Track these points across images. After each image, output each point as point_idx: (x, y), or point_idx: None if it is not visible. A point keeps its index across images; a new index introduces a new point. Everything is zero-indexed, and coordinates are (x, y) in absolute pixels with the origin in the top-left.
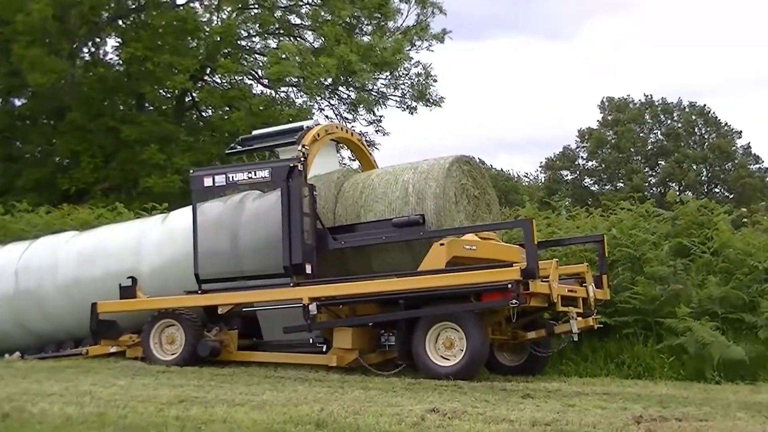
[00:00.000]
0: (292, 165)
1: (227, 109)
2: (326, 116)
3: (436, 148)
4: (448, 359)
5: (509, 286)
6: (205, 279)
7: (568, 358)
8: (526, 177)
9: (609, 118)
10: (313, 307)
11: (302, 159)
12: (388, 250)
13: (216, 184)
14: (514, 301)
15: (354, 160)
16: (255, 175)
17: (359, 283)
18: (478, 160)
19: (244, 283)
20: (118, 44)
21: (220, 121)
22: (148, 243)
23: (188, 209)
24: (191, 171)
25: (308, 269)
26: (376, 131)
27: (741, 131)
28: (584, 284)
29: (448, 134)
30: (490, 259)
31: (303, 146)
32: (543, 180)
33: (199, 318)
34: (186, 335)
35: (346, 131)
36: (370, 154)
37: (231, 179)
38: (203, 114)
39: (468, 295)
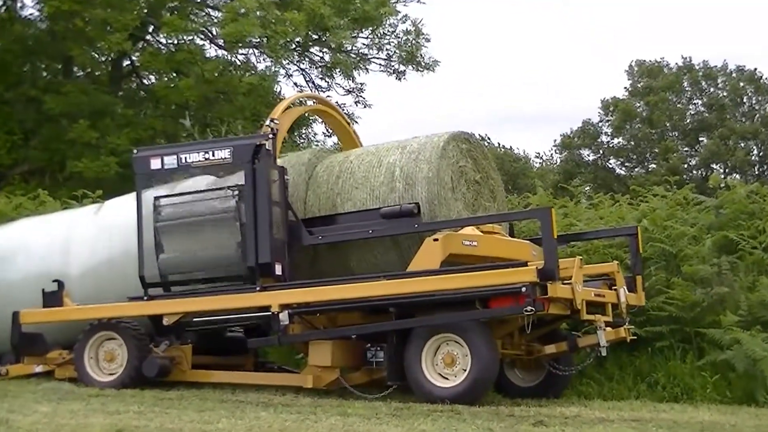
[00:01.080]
0: (258, 143)
1: (174, 75)
2: (295, 84)
3: (427, 122)
4: (449, 379)
5: (523, 289)
6: (152, 282)
7: (589, 378)
8: (538, 158)
9: (639, 85)
10: (284, 316)
11: (271, 136)
12: (370, 247)
13: (165, 167)
14: (530, 307)
15: (330, 135)
16: (213, 155)
17: (340, 286)
18: (479, 138)
19: (199, 288)
20: None
21: (166, 91)
22: (78, 239)
23: (128, 198)
24: (134, 151)
25: (278, 270)
26: (356, 102)
27: None
28: (614, 287)
29: (443, 106)
30: (495, 258)
31: (272, 120)
32: (558, 161)
33: (145, 330)
34: (129, 351)
35: (323, 102)
36: (354, 131)
37: (183, 161)
38: (145, 82)
39: (473, 300)
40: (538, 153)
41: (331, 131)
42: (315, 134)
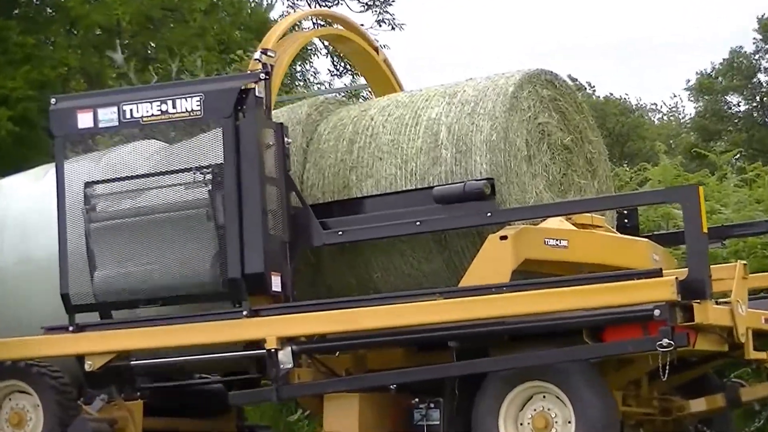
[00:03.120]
0: (243, 87)
1: None
2: (292, 3)
3: (483, 62)
4: None
5: (656, 312)
6: (81, 305)
7: None
8: (659, 109)
9: None
10: (285, 356)
11: (263, 76)
12: (403, 249)
13: (99, 125)
14: (666, 341)
15: (341, 74)
16: (174, 107)
17: (373, 309)
18: (568, 80)
19: (152, 314)
20: None
21: (85, 7)
22: None
23: (39, 173)
24: (52, 100)
25: (276, 284)
26: (379, 22)
27: None
28: None
29: (491, 34)
30: (594, 265)
31: (263, 52)
32: (692, 114)
33: (71, 377)
34: (46, 411)
35: (340, 22)
36: (388, 65)
37: (129, 115)
38: None
39: (578, 331)
40: (657, 103)
41: (352, 69)
42: (316, 73)
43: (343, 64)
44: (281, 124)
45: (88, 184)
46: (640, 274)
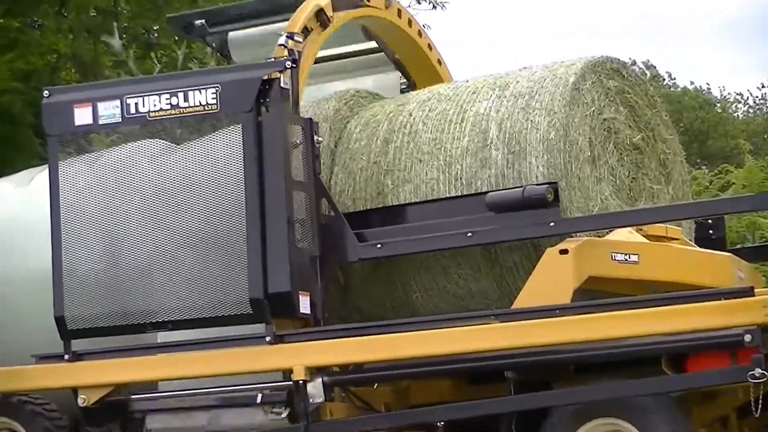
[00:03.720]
0: (266, 77)
1: None
2: None
3: (508, 40)
4: None
5: (747, 338)
6: (77, 329)
7: None
8: (744, 101)
9: None
10: (315, 388)
11: (290, 64)
12: (447, 266)
13: (99, 121)
14: (759, 371)
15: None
16: (186, 100)
17: (417, 334)
18: (638, 69)
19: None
20: None
21: None
22: None
23: (24, 178)
24: (44, 93)
25: (304, 305)
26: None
27: None
28: None
29: (516, 12)
30: (668, 283)
31: (289, 36)
32: None
33: (67, 414)
34: None
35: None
36: (434, 50)
37: (133, 109)
38: None
39: (655, 359)
40: (743, 93)
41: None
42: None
43: None
44: (310, 119)
45: (87, 191)
46: (728, 294)
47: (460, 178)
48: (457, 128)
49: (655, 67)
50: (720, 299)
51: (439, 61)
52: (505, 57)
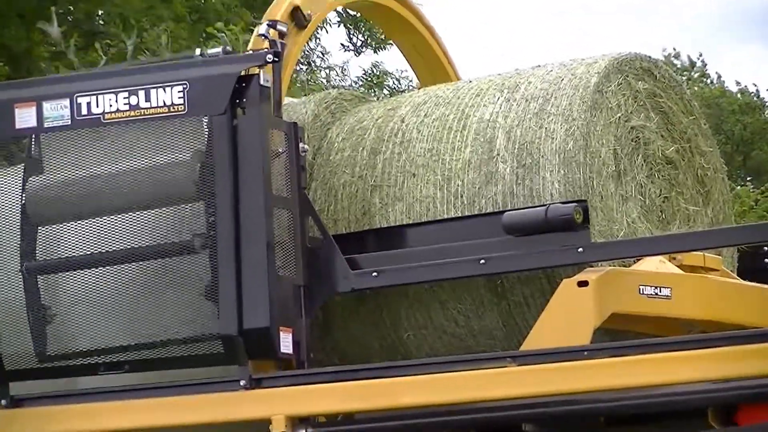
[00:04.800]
0: (243, 72)
1: None
2: None
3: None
4: None
5: None
6: (17, 370)
7: None
8: None
9: None
10: None
11: (271, 57)
12: (445, 300)
13: (45, 124)
14: None
15: (378, 48)
16: (147, 99)
17: (416, 378)
18: (669, 68)
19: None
20: None
21: None
22: None
23: None
24: None
25: (286, 344)
26: None
27: None
28: None
29: None
30: (706, 322)
31: (271, 25)
32: None
33: None
34: None
35: None
36: (440, 43)
37: (85, 110)
38: None
39: (700, 411)
40: None
41: (378, 44)
42: (324, 53)
43: (362, 37)
44: (295, 124)
45: (27, 206)
46: None
47: (461, 196)
48: (458, 137)
49: (698, 63)
50: None
51: (447, 58)
52: (499, 35)
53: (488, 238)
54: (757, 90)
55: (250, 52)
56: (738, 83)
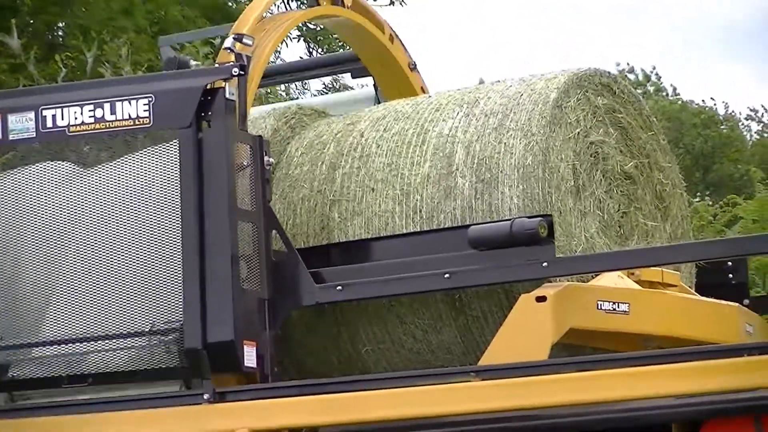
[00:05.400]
0: (209, 86)
1: None
2: None
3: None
4: None
5: None
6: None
7: None
8: (757, 118)
9: None
10: None
11: (237, 71)
12: (403, 315)
13: (9, 136)
14: None
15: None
16: (113, 112)
17: (384, 393)
18: (626, 82)
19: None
20: None
21: None
22: None
23: None
24: None
25: (249, 358)
26: None
27: None
28: None
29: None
30: (663, 337)
31: (237, 38)
32: None
33: None
34: None
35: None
36: (406, 56)
37: (50, 122)
38: None
39: (664, 427)
40: (755, 109)
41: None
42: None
43: (321, 51)
44: (260, 137)
45: None
46: (753, 349)
47: (420, 211)
48: (417, 152)
49: (660, 78)
50: (743, 355)
51: (411, 67)
52: (484, 35)
53: (452, 252)
54: (715, 105)
55: (216, 65)
56: (699, 102)
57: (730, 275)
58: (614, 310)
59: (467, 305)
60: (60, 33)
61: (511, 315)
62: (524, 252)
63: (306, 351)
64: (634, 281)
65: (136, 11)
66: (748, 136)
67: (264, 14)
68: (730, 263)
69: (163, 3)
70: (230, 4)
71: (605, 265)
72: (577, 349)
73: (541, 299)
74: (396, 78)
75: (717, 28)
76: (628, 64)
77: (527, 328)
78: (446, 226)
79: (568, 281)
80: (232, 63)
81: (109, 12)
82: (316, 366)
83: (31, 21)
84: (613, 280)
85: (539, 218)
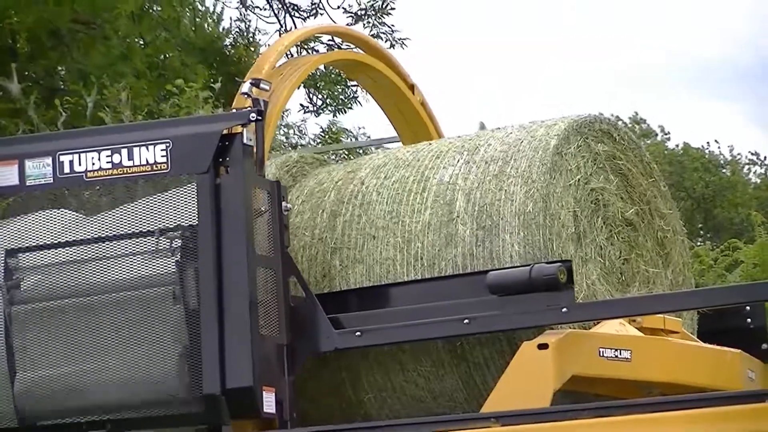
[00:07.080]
0: (227, 131)
1: None
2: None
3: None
4: None
5: None
6: None
7: None
8: (758, 160)
9: None
10: None
11: (254, 116)
12: (405, 362)
13: (27, 182)
14: None
15: (337, 110)
16: (130, 158)
17: None
18: (628, 129)
19: None
20: None
21: None
22: None
23: None
24: None
25: (268, 404)
26: (376, 37)
27: None
28: None
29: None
30: (665, 384)
31: (254, 83)
32: None
33: None
34: None
35: (369, 46)
36: (428, 111)
37: (67, 168)
38: None
39: None
40: (757, 152)
41: (335, 105)
42: (284, 112)
43: (321, 97)
44: (278, 182)
45: (9, 253)
46: (741, 397)
47: (421, 258)
48: (418, 199)
49: (645, 121)
50: (754, 402)
51: (431, 119)
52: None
53: (469, 298)
54: (718, 148)
55: (234, 110)
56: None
57: (749, 320)
58: (616, 357)
59: (468, 352)
60: (60, 78)
61: (513, 362)
62: (543, 297)
63: (308, 397)
64: (636, 328)
65: (134, 56)
66: (749, 180)
67: (287, 53)
68: (748, 308)
69: (162, 48)
70: (230, 49)
71: (625, 310)
72: (580, 396)
73: (542, 347)
74: (418, 134)
75: (688, 69)
76: (612, 115)
77: (529, 375)
78: (447, 273)
79: (570, 329)
80: (249, 108)
81: (108, 57)
82: (318, 412)
83: (31, 65)
84: (614, 327)
85: (558, 263)
